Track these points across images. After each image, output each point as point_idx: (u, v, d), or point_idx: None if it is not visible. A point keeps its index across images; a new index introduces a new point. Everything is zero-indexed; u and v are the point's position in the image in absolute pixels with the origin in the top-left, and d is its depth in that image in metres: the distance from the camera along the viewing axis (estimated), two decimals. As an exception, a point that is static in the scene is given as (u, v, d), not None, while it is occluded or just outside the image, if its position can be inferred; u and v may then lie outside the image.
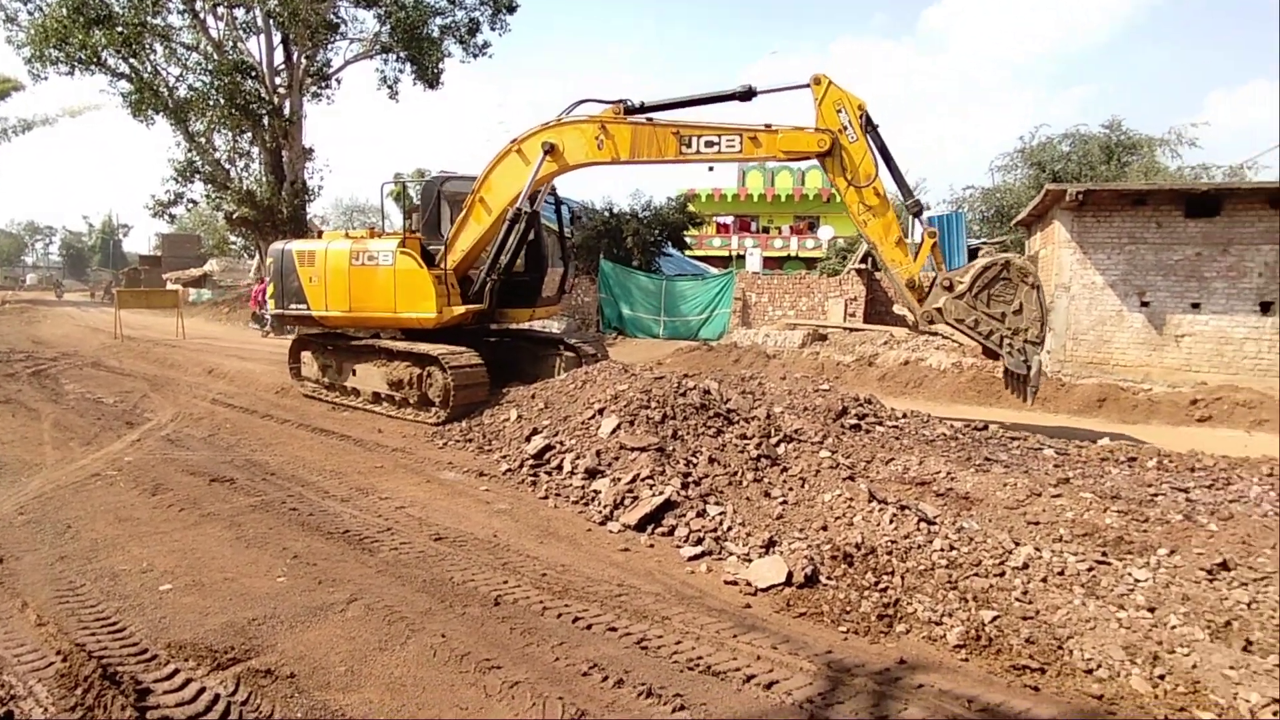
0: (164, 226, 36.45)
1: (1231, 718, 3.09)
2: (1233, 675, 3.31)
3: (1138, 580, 4.12)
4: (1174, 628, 3.67)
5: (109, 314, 22.61)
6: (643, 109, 8.45)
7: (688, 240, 27.42)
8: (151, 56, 25.29)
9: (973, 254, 20.42)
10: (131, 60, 24.51)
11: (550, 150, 8.56)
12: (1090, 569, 4.25)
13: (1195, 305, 12.12)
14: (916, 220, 8.41)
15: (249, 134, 25.96)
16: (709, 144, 8.15)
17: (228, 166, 26.75)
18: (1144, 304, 12.38)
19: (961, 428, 8.23)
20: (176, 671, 3.25)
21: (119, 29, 22.99)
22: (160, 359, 14.33)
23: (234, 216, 26.24)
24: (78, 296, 48.03)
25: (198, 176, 26.58)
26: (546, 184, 9.24)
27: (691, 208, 26.03)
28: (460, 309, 9.04)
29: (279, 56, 25.86)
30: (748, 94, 8.20)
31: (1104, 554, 4.46)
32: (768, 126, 8.04)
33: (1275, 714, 3.08)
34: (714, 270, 25.25)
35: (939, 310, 7.76)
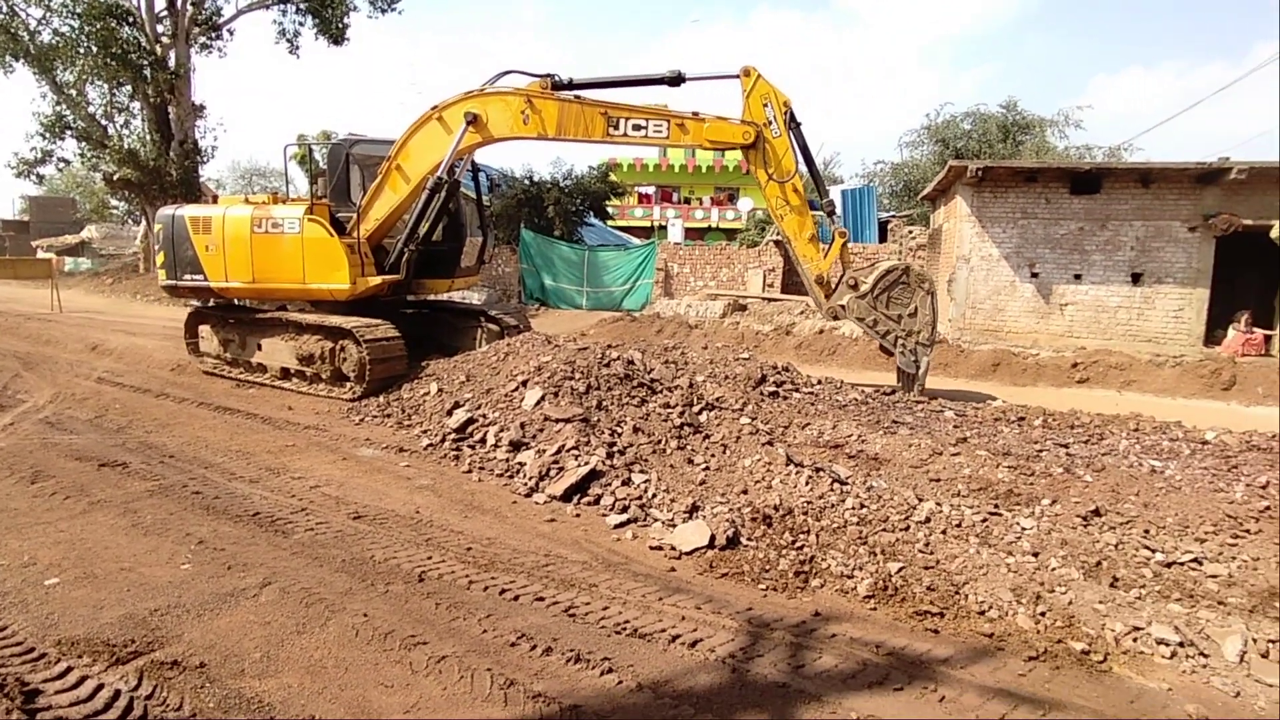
0: (31, 188, 33.22)
1: (1099, 646, 3.43)
2: (1101, 609, 3.67)
3: (1024, 528, 4.48)
4: (1054, 569, 4.02)
5: (-32, 286, 20.58)
6: (570, 85, 8.35)
7: (610, 210, 27.26)
8: (6, -5, 22.74)
9: (883, 226, 21.26)
10: (-20, -4, 21.98)
11: (473, 121, 8.33)
12: (984, 520, 4.58)
13: (1077, 276, 13.06)
14: (830, 219, 8.82)
15: (129, 87, 23.80)
16: (637, 127, 8.20)
17: (105, 123, 24.52)
18: (1034, 275, 13.24)
19: (871, 393, 8.61)
20: (69, 669, 3.05)
21: None
22: (33, 335, 13.20)
23: (115, 178, 24.07)
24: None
25: (69, 133, 24.26)
26: (468, 154, 9.00)
27: (613, 177, 25.85)
28: (375, 280, 8.73)
29: (161, 2, 23.75)
30: (677, 79, 8.27)
31: (996, 506, 4.82)
32: (695, 114, 8.15)
33: (1135, 640, 3.44)
34: (636, 241, 25.25)
35: (843, 307, 8.32)
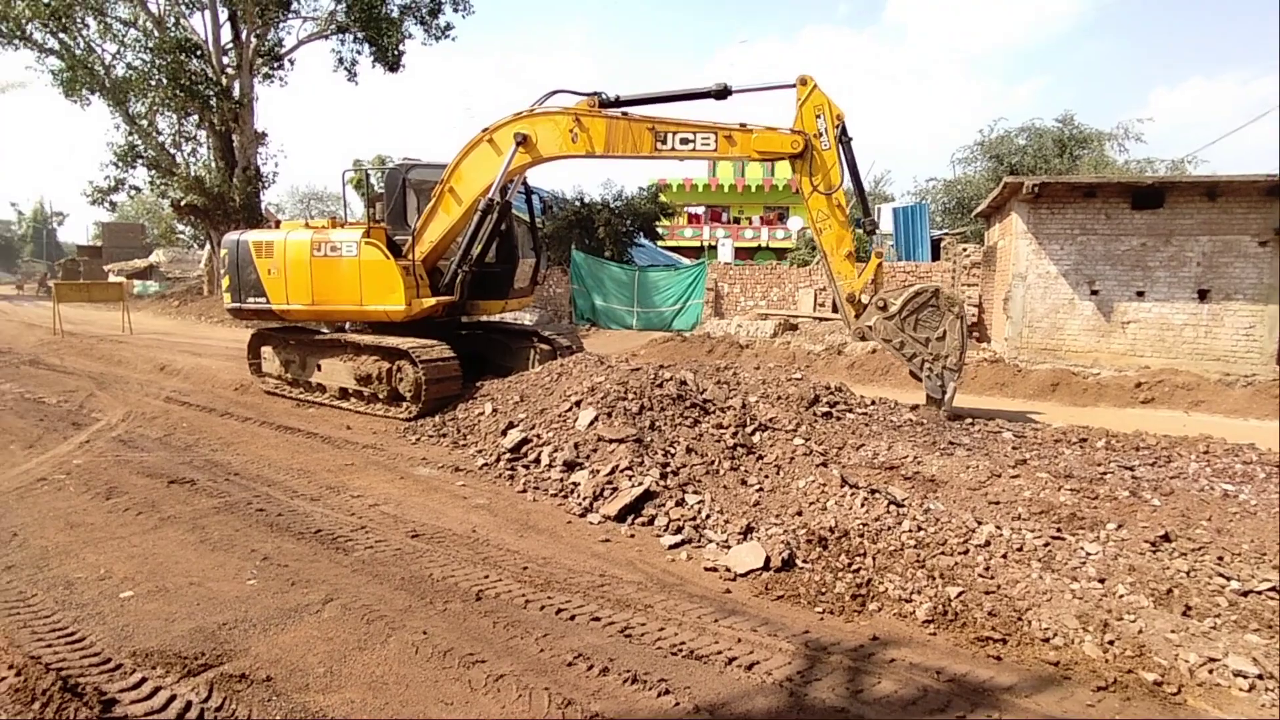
0: (104, 215, 35.00)
1: (1173, 677, 3.28)
2: (1174, 638, 3.53)
3: (1089, 553, 4.33)
4: (1122, 596, 3.88)
5: (45, 309, 21.71)
6: (617, 103, 8.43)
7: (659, 231, 27.42)
8: (84, 31, 24.10)
9: (935, 244, 20.91)
10: (61, 35, 23.31)
11: (523, 141, 8.47)
12: (1046, 544, 4.44)
13: (1140, 293, 12.61)
14: (870, 237, 8.70)
15: (195, 117, 24.96)
16: (684, 141, 8.19)
17: (173, 151, 25.74)
18: (1094, 292, 12.85)
19: (916, 414, 8.43)
20: (144, 680, 3.17)
21: (45, 0, 21.78)
22: (106, 355, 13.83)
23: (181, 204, 25.24)
24: (7, 290, 45.83)
25: (140, 161, 25.50)
26: (519, 175, 9.15)
27: (663, 198, 26.03)
28: (430, 301, 8.93)
29: (226, 35, 24.85)
30: (723, 93, 8.26)
31: (1058, 530, 4.67)
32: (743, 126, 8.10)
33: (1210, 671, 3.29)
34: (686, 261, 25.35)
35: (870, 328, 8.18)
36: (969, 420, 8.26)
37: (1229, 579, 4.05)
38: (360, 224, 9.41)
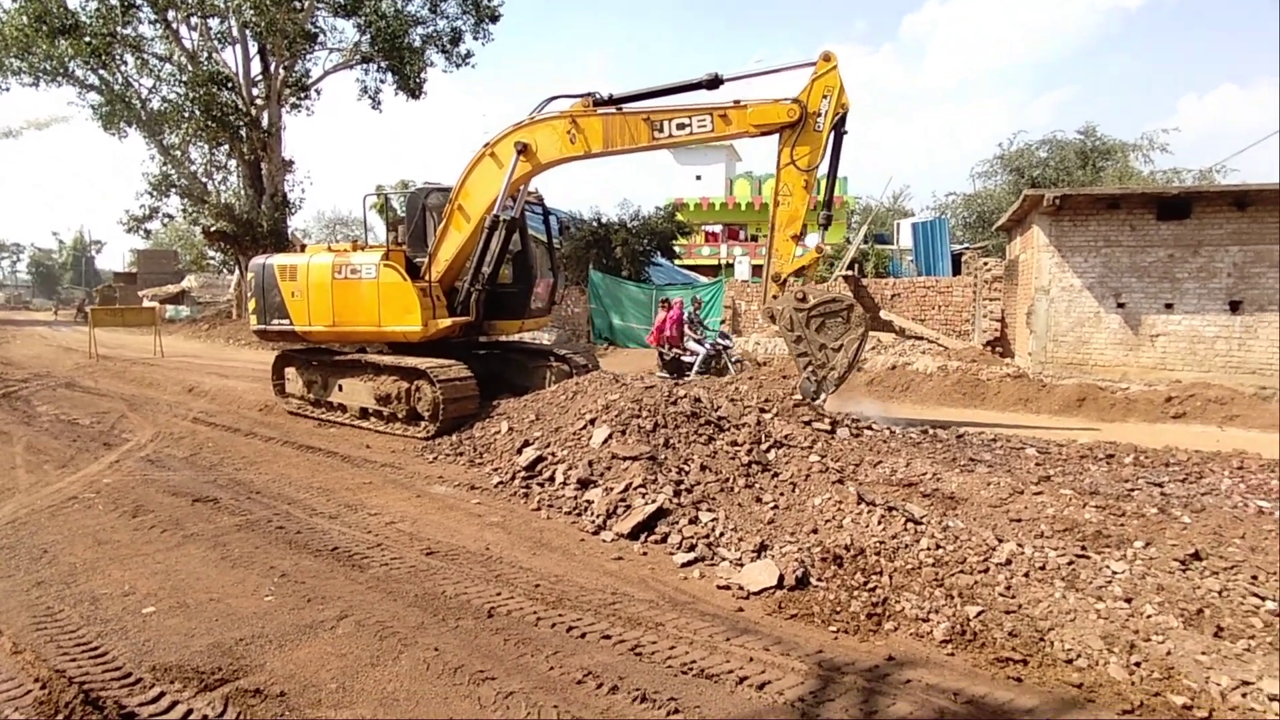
0: (139, 242, 36.23)
1: (1204, 701, 3.18)
2: (1204, 660, 3.41)
3: (1115, 572, 4.21)
4: (1149, 617, 3.76)
5: (82, 333, 22.29)
6: (612, 100, 8.48)
7: (676, 249, 27.54)
8: (122, 68, 24.99)
9: (956, 259, 20.71)
10: (101, 71, 24.18)
11: (523, 150, 8.58)
12: (1070, 563, 4.33)
13: (1169, 306, 12.37)
14: (822, 229, 8.65)
15: (226, 146, 25.72)
16: (680, 126, 8.19)
17: (204, 180, 26.53)
18: (1120, 305, 12.62)
19: (930, 430, 8.34)
20: (162, 694, 3.22)
21: (87, 39, 22.61)
22: (138, 378, 14.15)
23: (212, 231, 25.94)
24: (44, 315, 47.13)
25: (173, 190, 26.32)
26: (524, 185, 9.21)
27: (680, 217, 26.15)
28: (446, 321, 9.03)
29: (256, 67, 25.65)
30: (715, 82, 8.24)
31: (1083, 548, 4.55)
32: (737, 103, 8.08)
33: (1244, 695, 3.17)
34: (703, 279, 25.40)
35: (780, 311, 8.14)
36: (992, 437, 8.13)
37: (1263, 599, 3.91)
38: (380, 247, 9.56)
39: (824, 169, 8.23)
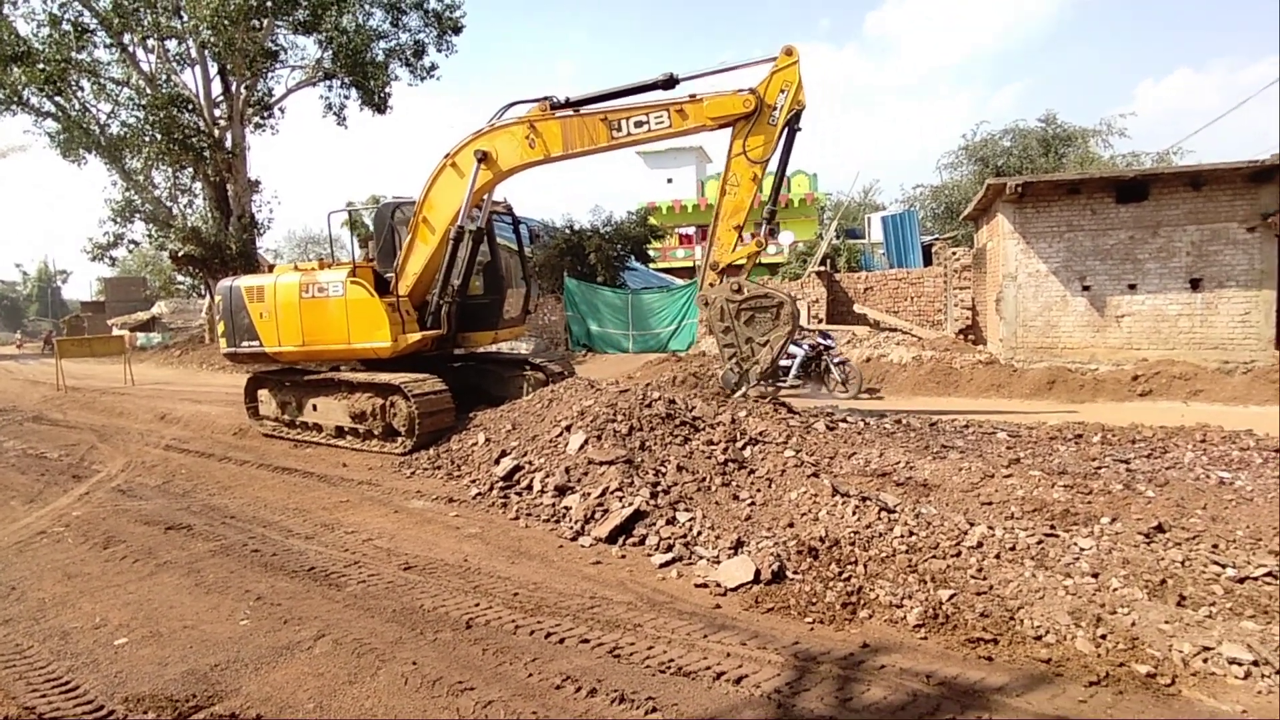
0: (106, 270, 35.59)
1: (1166, 668, 3.26)
2: (1167, 629, 3.50)
3: (1083, 549, 4.31)
4: (1115, 590, 3.85)
5: (49, 365, 21.85)
6: (569, 104, 8.49)
7: (651, 253, 27.64)
8: (79, 93, 24.55)
9: (927, 251, 21.00)
10: (57, 98, 23.76)
11: (484, 158, 8.57)
12: (1039, 542, 4.43)
13: (1132, 286, 12.64)
14: (767, 227, 8.61)
15: (190, 169, 25.35)
16: (638, 124, 8.21)
17: (169, 204, 26.09)
18: (1085, 288, 12.87)
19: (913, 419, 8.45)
20: (135, 726, 3.18)
21: (40, 66, 22.18)
22: (108, 408, 13.92)
23: (180, 255, 25.52)
24: (8, 349, 46.14)
25: (138, 216, 25.87)
26: (488, 194, 9.19)
27: (652, 220, 26.24)
28: (416, 336, 8.98)
29: (217, 88, 25.27)
30: (670, 82, 8.28)
31: (1052, 527, 4.65)
32: (693, 97, 8.11)
33: (1205, 660, 3.26)
34: (679, 281, 25.49)
35: (713, 299, 8.21)
36: (964, 424, 8.25)
37: (1224, 566, 4.03)
38: (346, 264, 9.48)
39: (774, 163, 8.26)
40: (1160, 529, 4.50)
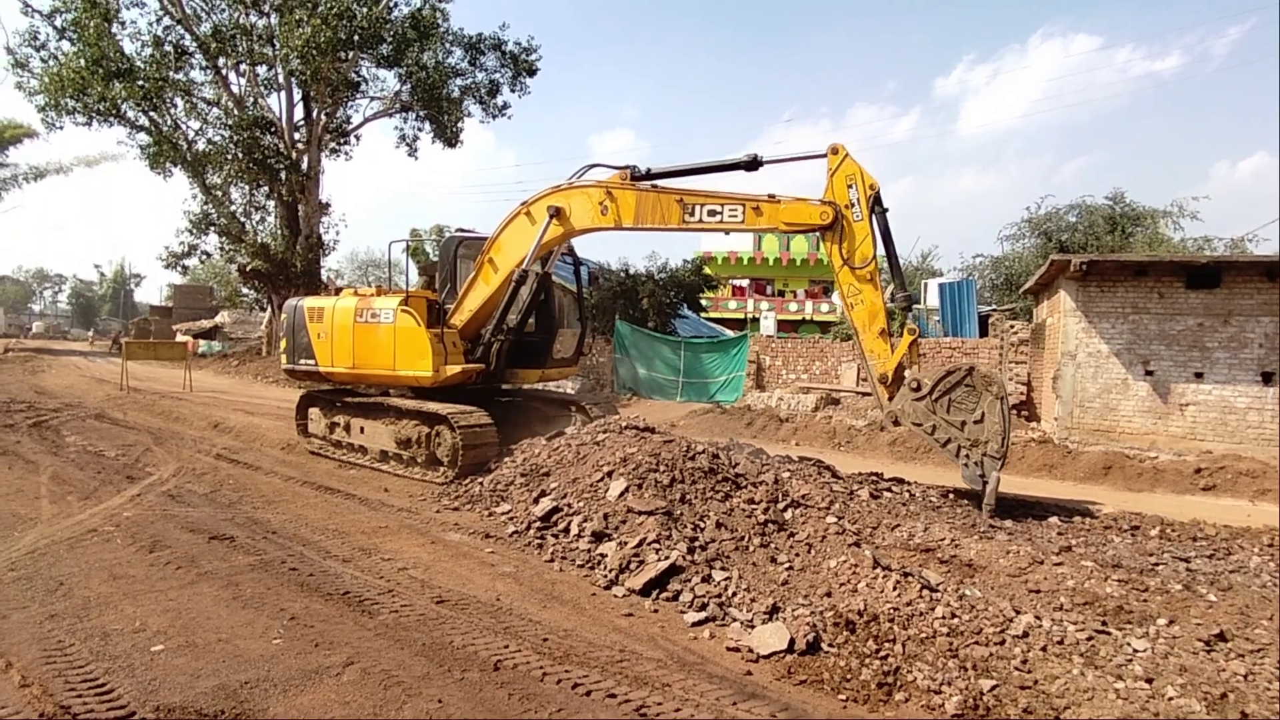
0: (176, 278, 37.23)
1: None
2: (1231, 750, 3.28)
3: (1136, 650, 4.09)
4: (1171, 699, 3.63)
5: (116, 365, 22.81)
6: (649, 175, 8.59)
7: (703, 302, 27.75)
8: (172, 110, 26.08)
9: (983, 321, 20.63)
10: (151, 113, 25.25)
11: (556, 214, 8.72)
12: (1089, 638, 4.21)
13: (1199, 374, 12.17)
14: (906, 315, 8.15)
15: (265, 188, 26.59)
16: (712, 213, 8.17)
17: (243, 219, 27.34)
18: (1148, 373, 12.45)
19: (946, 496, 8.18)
20: (164, 736, 3.22)
21: (140, 83, 23.66)
22: (165, 412, 14.44)
23: (247, 269, 26.69)
24: (81, 345, 48.33)
25: (212, 229, 27.17)
26: (556, 247, 9.38)
27: (707, 270, 26.38)
28: (457, 368, 9.09)
29: (299, 113, 26.68)
30: (753, 164, 8.36)
31: (1103, 623, 4.43)
32: (771, 197, 7.97)
33: None
34: (729, 333, 25.43)
35: (900, 410, 7.55)
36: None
37: (1292, 685, 3.77)
38: (400, 292, 9.75)
39: (881, 251, 7.91)
40: (1222, 637, 4.24)
